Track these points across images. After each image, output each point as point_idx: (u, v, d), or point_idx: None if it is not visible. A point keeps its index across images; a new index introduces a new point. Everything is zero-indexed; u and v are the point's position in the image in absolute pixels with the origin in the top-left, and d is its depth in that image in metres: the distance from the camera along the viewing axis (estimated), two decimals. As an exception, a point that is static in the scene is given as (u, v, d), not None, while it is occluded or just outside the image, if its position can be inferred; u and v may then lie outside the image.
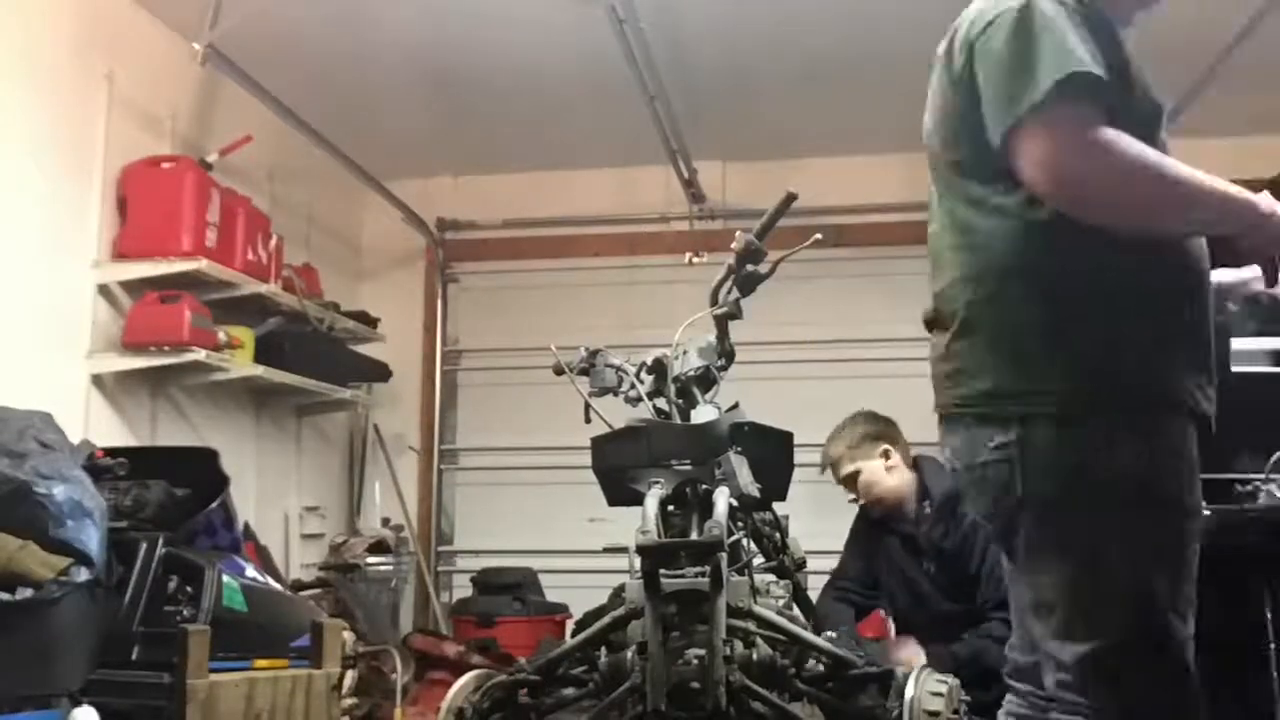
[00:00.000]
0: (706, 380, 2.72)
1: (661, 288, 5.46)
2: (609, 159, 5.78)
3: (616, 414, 2.76)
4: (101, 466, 3.14)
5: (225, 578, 3.08)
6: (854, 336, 5.54)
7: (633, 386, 2.82)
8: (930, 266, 1.86)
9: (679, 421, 2.65)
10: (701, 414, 2.63)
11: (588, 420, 2.85)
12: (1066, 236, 1.55)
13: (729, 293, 2.71)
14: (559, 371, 2.92)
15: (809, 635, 2.35)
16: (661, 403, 2.74)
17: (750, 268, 2.66)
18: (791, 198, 2.69)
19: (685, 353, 2.75)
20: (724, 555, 2.13)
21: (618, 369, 2.85)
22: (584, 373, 2.89)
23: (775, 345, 5.25)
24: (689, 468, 2.47)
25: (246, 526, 4.11)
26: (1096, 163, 1.48)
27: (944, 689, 2.14)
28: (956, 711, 2.15)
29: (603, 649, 2.33)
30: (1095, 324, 1.56)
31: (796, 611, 3.02)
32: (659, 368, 2.78)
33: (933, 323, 1.85)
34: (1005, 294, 1.63)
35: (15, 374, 3.42)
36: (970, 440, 1.69)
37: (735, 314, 2.72)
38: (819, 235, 2.73)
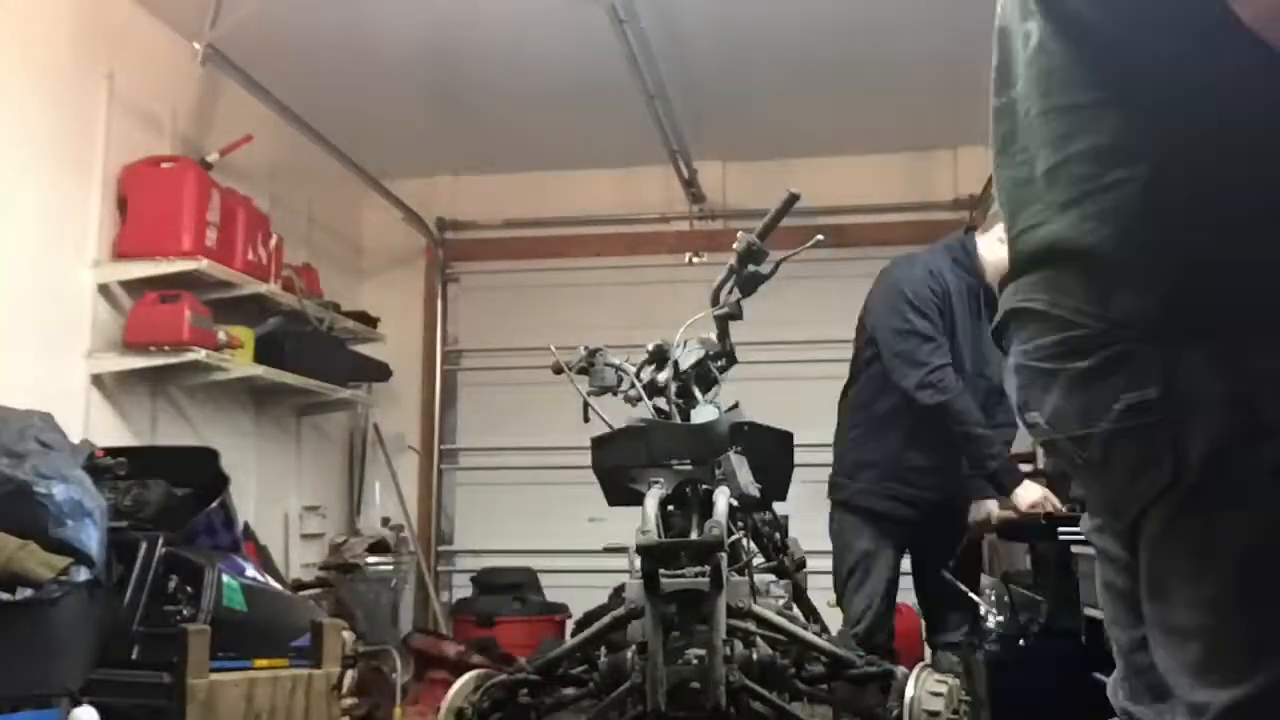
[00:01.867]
0: (707, 380, 2.72)
1: (661, 288, 5.46)
2: (609, 159, 5.78)
3: (616, 414, 2.76)
4: (101, 466, 3.14)
5: (225, 577, 3.08)
6: (854, 337, 5.54)
7: (632, 385, 2.82)
8: None
9: (679, 421, 2.66)
10: (701, 414, 2.63)
11: (586, 419, 2.85)
12: None
13: (730, 293, 2.71)
14: (558, 370, 2.92)
15: (809, 635, 2.35)
16: (661, 402, 2.74)
17: (752, 268, 2.66)
18: (794, 198, 2.70)
19: (685, 344, 2.77)
20: (724, 555, 2.13)
21: (617, 368, 2.86)
22: (583, 371, 2.89)
23: (775, 345, 5.25)
24: (689, 468, 2.48)
25: (246, 526, 4.11)
26: None
27: (944, 689, 2.15)
28: (956, 711, 2.15)
29: (603, 649, 2.33)
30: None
31: (796, 611, 3.02)
32: (659, 355, 2.77)
33: None
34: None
35: (15, 374, 3.42)
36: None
37: (736, 314, 2.72)
38: (821, 236, 2.74)
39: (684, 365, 2.72)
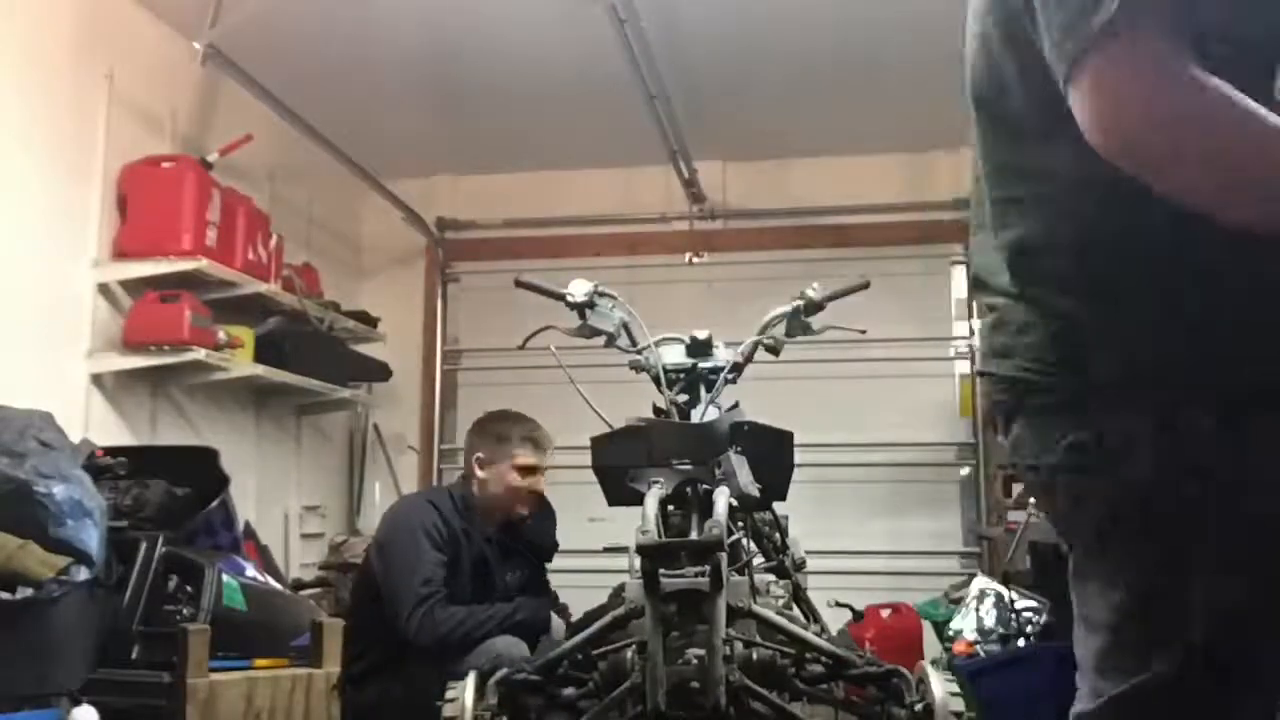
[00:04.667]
0: (711, 385, 2.72)
1: (661, 288, 5.45)
2: (609, 159, 5.77)
3: (616, 413, 2.76)
4: (101, 466, 3.14)
5: (225, 577, 3.08)
6: (854, 337, 5.54)
7: (633, 343, 2.81)
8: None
9: (679, 420, 2.66)
10: (701, 413, 2.64)
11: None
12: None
13: (776, 327, 2.87)
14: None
15: (809, 635, 2.35)
16: (672, 394, 2.73)
17: (805, 319, 2.83)
18: (866, 285, 3.04)
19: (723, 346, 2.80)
20: (724, 555, 2.13)
21: (624, 321, 2.84)
22: (585, 307, 2.87)
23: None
24: (689, 467, 2.48)
25: (246, 526, 4.10)
26: (1181, 110, 1.07)
27: (957, 688, 2.15)
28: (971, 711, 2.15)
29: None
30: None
31: (796, 611, 3.02)
32: (703, 347, 2.75)
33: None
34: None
35: (15, 374, 3.42)
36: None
37: (777, 349, 2.87)
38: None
39: (718, 363, 2.73)
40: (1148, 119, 1.07)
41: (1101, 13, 1.07)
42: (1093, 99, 1.09)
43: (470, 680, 2.33)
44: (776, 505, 3.02)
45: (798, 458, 2.68)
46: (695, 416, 2.65)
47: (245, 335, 4.35)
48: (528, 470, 3.38)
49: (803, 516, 3.56)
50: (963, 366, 5.67)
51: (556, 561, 5.34)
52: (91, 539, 2.72)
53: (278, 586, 3.55)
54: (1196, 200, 1.09)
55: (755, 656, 2.22)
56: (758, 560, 3.01)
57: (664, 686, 2.06)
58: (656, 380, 2.74)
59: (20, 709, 2.53)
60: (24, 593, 2.56)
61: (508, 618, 3.10)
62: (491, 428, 3.45)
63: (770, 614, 2.34)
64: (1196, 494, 1.14)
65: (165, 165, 4.08)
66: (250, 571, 3.25)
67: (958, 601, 4.29)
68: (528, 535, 3.47)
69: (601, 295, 2.88)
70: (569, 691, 2.34)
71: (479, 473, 3.38)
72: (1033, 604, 3.94)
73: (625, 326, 2.86)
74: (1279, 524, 1.15)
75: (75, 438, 3.24)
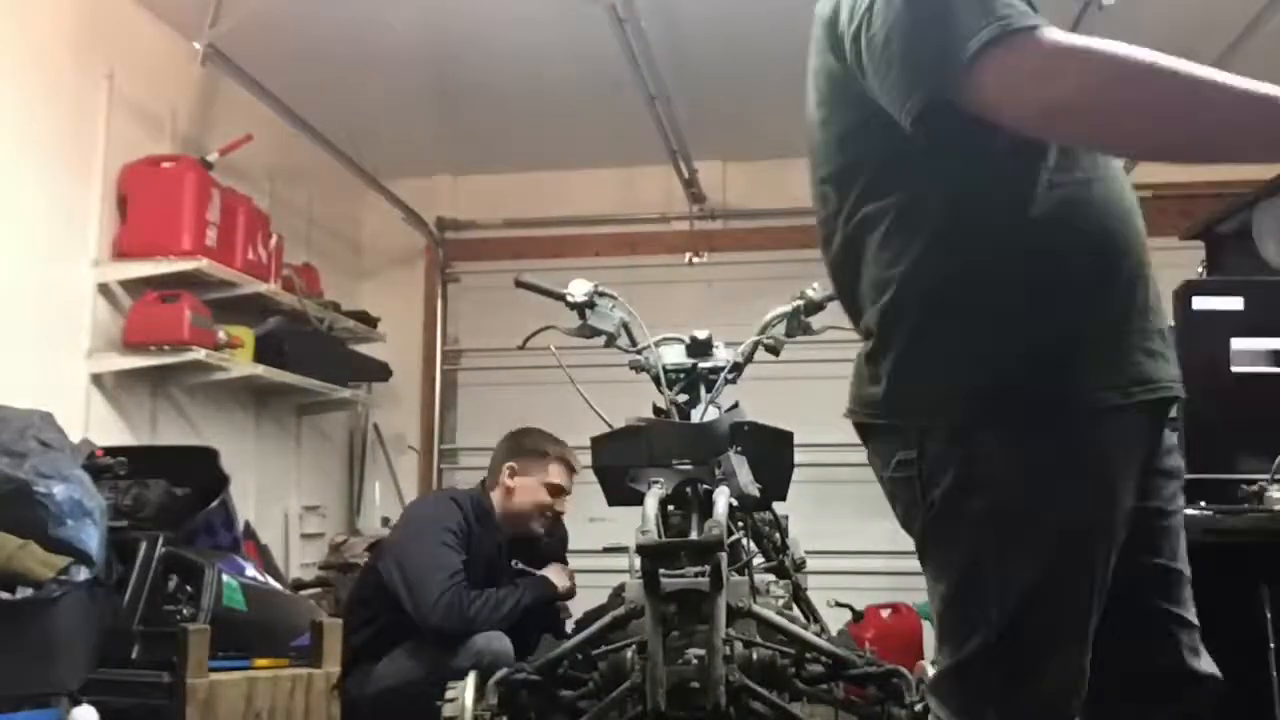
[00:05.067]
0: (711, 385, 2.73)
1: (661, 288, 5.45)
2: (609, 159, 5.77)
3: (616, 413, 2.76)
4: (101, 466, 3.14)
5: (225, 577, 3.08)
6: (854, 337, 5.54)
7: (633, 343, 2.81)
8: None
9: (679, 420, 2.66)
10: (701, 413, 2.64)
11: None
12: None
13: (777, 327, 2.85)
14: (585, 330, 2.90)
15: (809, 635, 2.36)
16: (672, 394, 2.73)
17: (806, 319, 2.81)
18: None
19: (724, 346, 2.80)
20: (724, 555, 2.13)
21: (624, 320, 2.84)
22: (585, 307, 2.87)
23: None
24: (689, 467, 2.48)
25: (247, 525, 4.10)
26: (1077, 64, 1.20)
27: None
28: None
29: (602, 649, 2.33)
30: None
31: (796, 611, 3.02)
32: (703, 347, 2.75)
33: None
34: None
35: (15, 374, 3.42)
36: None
37: (777, 349, 2.86)
38: None
39: (718, 363, 2.73)
40: (1082, 86, 1.20)
41: (980, 35, 1.25)
42: (998, 81, 1.25)
43: (470, 680, 2.34)
44: (776, 505, 3.02)
45: (798, 458, 2.68)
46: (695, 416, 2.65)
47: (245, 335, 4.35)
48: (557, 490, 3.42)
49: (803, 516, 3.56)
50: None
51: (557, 562, 5.37)
52: (91, 539, 2.72)
53: (278, 586, 3.55)
54: (1141, 140, 1.25)
55: (755, 656, 2.23)
56: (758, 560, 3.01)
57: (664, 686, 2.06)
58: (656, 380, 2.74)
59: (20, 709, 2.53)
60: (24, 593, 2.56)
61: (518, 602, 3.11)
62: (529, 442, 3.49)
63: (770, 614, 2.34)
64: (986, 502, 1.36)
65: (165, 165, 4.07)
66: (250, 571, 3.25)
67: (958, 602, 4.28)
68: (544, 553, 3.47)
69: (601, 295, 2.88)
70: (569, 692, 2.34)
71: (508, 481, 3.39)
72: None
73: (625, 326, 2.87)
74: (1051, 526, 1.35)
75: (75, 438, 3.23)
